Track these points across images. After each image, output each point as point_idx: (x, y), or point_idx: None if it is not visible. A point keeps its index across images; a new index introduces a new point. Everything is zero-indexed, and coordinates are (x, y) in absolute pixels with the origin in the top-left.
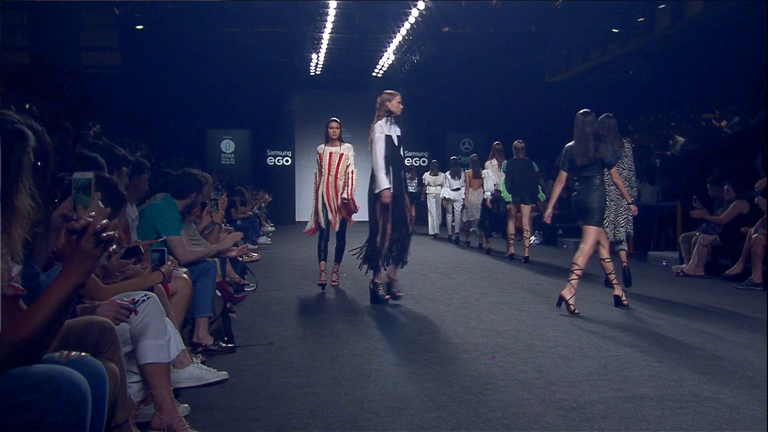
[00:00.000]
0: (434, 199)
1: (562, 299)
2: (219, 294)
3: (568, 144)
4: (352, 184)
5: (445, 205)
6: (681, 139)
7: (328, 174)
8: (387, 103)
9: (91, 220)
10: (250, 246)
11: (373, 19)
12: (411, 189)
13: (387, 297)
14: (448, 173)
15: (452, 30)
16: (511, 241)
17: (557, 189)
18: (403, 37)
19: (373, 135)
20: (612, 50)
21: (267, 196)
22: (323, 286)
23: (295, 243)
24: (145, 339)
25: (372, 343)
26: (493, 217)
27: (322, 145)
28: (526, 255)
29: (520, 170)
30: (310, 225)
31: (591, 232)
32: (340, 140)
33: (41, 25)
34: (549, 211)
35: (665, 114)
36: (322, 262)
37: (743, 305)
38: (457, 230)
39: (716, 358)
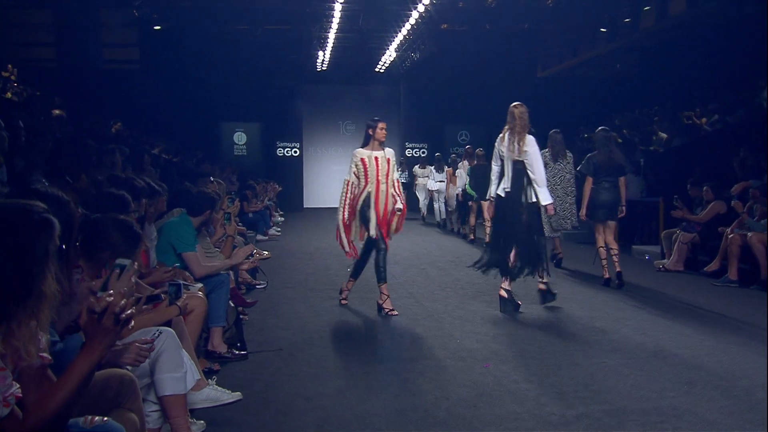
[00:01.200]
0: (422, 189)
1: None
2: (232, 305)
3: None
4: (401, 192)
5: (431, 194)
6: (664, 135)
7: (377, 182)
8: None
9: (111, 300)
10: (260, 237)
11: (375, 21)
12: (403, 180)
13: (519, 303)
14: (433, 167)
15: (450, 27)
16: (471, 229)
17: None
18: (404, 36)
19: (534, 148)
20: (600, 47)
21: (277, 186)
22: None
23: (303, 233)
24: (163, 372)
25: (375, 348)
26: (466, 209)
27: (365, 150)
28: (488, 241)
29: (481, 174)
30: (347, 246)
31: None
32: (382, 144)
33: (65, 23)
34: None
35: (649, 109)
36: (351, 281)
37: (720, 303)
38: (443, 216)
39: (694, 367)
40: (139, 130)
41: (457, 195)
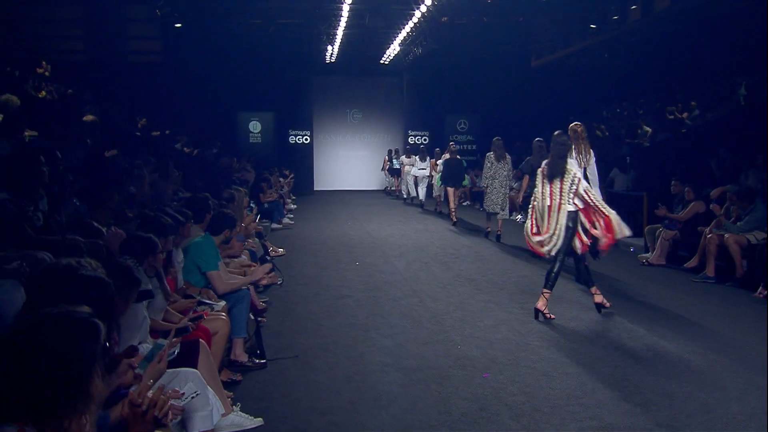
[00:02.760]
0: (408, 175)
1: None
2: (252, 317)
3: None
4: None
5: (414, 179)
6: (648, 129)
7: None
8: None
9: (153, 399)
10: (275, 225)
11: (380, 19)
12: (396, 166)
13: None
14: (417, 157)
15: (450, 20)
16: (447, 208)
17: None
18: (407, 32)
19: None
20: (589, 38)
21: (290, 174)
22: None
23: (314, 219)
24: (192, 412)
25: (383, 356)
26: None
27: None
28: (454, 221)
29: (453, 166)
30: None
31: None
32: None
33: (94, 19)
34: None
35: (635, 103)
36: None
37: (698, 301)
38: (420, 197)
39: (675, 376)
40: (162, 124)
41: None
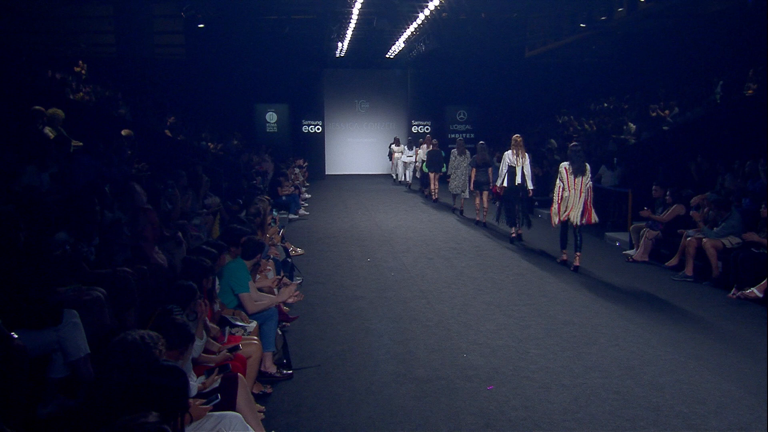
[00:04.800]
0: (399, 161)
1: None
2: (280, 332)
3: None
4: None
5: (404, 165)
6: (633, 126)
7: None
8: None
9: None
10: (292, 216)
11: (387, 22)
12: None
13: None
14: (405, 145)
15: (450, 16)
16: (431, 192)
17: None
18: (412, 32)
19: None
20: (578, 33)
21: (304, 163)
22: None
23: (327, 207)
24: None
25: (396, 365)
26: (427, 178)
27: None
28: (435, 197)
29: (434, 156)
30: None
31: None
32: None
33: (123, 18)
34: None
35: (621, 98)
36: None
37: (678, 300)
38: (409, 179)
39: (659, 388)
40: (187, 119)
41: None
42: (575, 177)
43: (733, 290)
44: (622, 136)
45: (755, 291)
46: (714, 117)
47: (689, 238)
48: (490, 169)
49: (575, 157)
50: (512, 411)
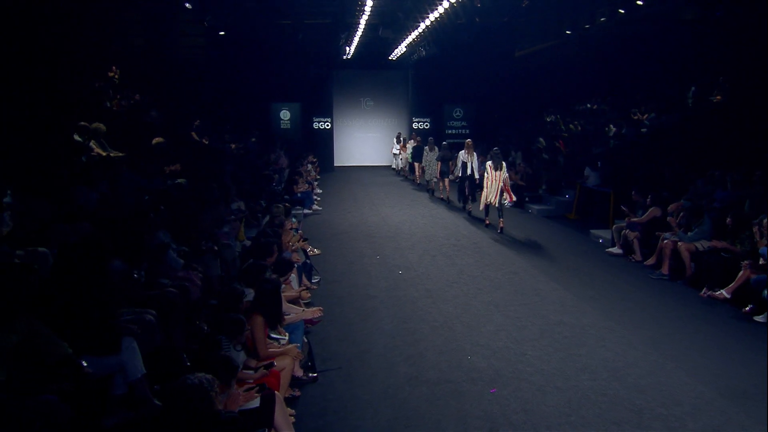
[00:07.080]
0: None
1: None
2: (306, 340)
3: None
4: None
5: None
6: (613, 129)
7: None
8: None
9: None
10: (306, 211)
11: (391, 32)
12: (395, 151)
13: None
14: (394, 140)
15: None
16: (415, 178)
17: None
18: (413, 39)
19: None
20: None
21: (315, 161)
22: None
23: (338, 201)
24: None
25: (408, 367)
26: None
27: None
28: (418, 182)
29: (418, 150)
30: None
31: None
32: None
33: (151, 23)
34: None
35: (603, 100)
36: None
37: (656, 301)
38: (402, 166)
39: (641, 390)
40: (210, 121)
41: (405, 159)
42: (495, 171)
43: (704, 290)
44: (606, 136)
45: (724, 293)
46: (687, 123)
47: (665, 241)
48: (450, 162)
49: (495, 158)
50: (513, 414)
